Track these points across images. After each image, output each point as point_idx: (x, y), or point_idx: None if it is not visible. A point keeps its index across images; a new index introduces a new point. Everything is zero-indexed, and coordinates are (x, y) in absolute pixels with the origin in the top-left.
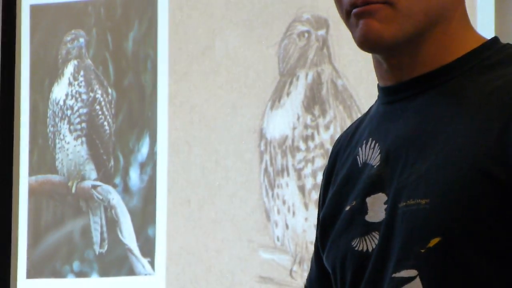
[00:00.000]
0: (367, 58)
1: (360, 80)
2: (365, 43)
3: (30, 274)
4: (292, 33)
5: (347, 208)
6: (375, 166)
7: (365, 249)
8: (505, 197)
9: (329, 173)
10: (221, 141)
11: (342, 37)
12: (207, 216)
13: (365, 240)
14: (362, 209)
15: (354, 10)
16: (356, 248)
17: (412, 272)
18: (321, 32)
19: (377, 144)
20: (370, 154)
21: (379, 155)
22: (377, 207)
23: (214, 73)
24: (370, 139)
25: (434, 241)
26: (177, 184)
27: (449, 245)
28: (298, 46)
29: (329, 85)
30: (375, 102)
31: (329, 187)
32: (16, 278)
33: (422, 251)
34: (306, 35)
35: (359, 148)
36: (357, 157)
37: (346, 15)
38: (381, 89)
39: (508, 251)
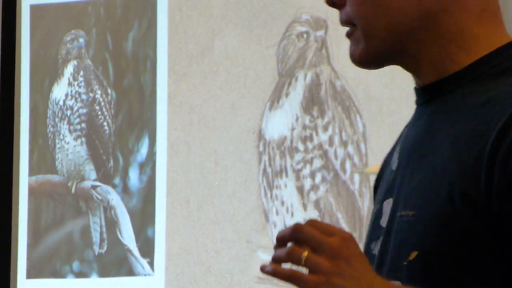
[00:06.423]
0: None
1: (358, 81)
2: (353, 62)
3: (30, 274)
4: (291, 34)
5: (375, 210)
6: (394, 170)
7: (374, 252)
8: (482, 217)
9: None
10: (220, 142)
11: (340, 37)
12: (206, 216)
13: (376, 244)
14: (380, 212)
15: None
16: (372, 252)
17: (396, 284)
18: (320, 32)
19: (398, 147)
20: (395, 157)
21: (398, 159)
22: (387, 212)
23: (213, 74)
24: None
25: (413, 255)
26: (176, 185)
27: (425, 260)
28: (297, 46)
29: (328, 86)
30: None
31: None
32: (16, 278)
33: (405, 263)
34: (305, 35)
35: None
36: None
37: None
38: (414, 89)
39: (492, 271)
